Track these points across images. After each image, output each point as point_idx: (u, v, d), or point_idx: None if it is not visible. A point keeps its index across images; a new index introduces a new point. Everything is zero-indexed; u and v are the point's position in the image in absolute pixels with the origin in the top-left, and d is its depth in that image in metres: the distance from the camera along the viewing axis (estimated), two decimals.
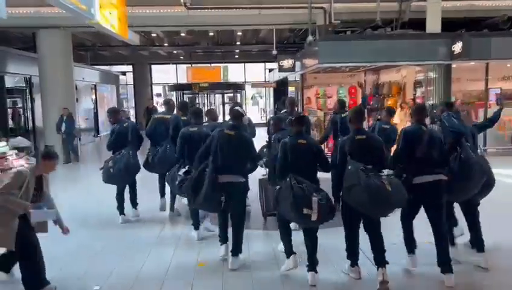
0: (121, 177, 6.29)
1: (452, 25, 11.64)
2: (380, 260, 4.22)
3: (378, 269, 4.20)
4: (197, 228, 5.73)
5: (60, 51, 12.81)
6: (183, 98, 20.79)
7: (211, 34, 16.56)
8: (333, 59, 11.23)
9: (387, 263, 4.24)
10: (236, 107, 5.50)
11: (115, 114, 6.82)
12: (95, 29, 12.26)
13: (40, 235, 4.17)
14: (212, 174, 4.60)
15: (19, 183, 3.86)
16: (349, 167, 4.04)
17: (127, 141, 6.39)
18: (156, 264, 5.04)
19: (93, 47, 19.77)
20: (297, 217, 4.15)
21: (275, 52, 13.70)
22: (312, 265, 4.32)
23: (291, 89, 19.95)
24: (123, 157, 6.24)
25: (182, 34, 16.06)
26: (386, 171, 4.26)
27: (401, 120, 13.58)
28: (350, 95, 17.56)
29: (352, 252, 4.44)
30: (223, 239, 5.00)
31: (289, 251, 4.46)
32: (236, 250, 4.79)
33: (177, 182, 5.44)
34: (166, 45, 19.60)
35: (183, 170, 5.37)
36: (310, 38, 10.87)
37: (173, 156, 6.05)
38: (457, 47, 10.88)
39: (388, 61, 11.59)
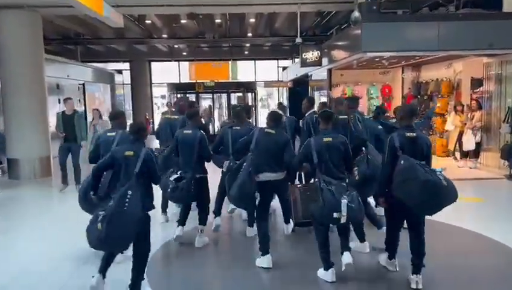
0: None
1: None
2: (417, 265, 4.16)
3: (412, 275, 4.17)
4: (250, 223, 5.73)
5: (25, 38, 10.07)
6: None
7: (218, 21, 13.75)
8: (382, 46, 8.48)
9: (424, 266, 4.16)
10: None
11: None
12: (72, 11, 9.64)
13: None
14: (249, 170, 4.66)
15: None
16: (402, 162, 3.98)
17: None
18: None
19: (81, 39, 17.06)
20: (326, 220, 4.19)
21: (299, 40, 10.91)
22: (346, 247, 4.40)
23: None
24: None
25: (183, 21, 13.27)
26: (438, 169, 4.05)
27: (455, 126, 10.72)
28: (383, 95, 14.79)
29: (392, 246, 4.46)
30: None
31: (328, 263, 4.37)
32: (289, 218, 5.40)
33: (169, 189, 5.13)
34: (165, 36, 16.82)
35: (175, 176, 5.13)
36: (356, 14, 8.02)
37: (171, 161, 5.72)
38: None
39: (455, 49, 8.69)
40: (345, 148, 4.39)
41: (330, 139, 4.33)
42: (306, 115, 6.43)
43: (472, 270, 4.70)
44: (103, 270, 3.97)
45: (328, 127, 4.47)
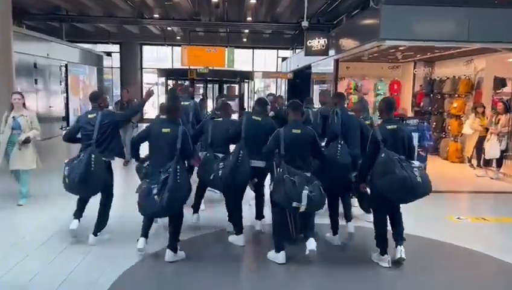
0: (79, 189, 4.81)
1: None
2: (399, 239, 4.47)
3: (396, 247, 4.44)
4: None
5: None
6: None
7: (214, 0, 12.42)
8: (402, 34, 7.23)
9: (405, 240, 4.48)
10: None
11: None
12: None
13: None
14: (247, 157, 4.83)
15: None
16: (382, 155, 4.22)
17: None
18: None
19: (66, 15, 15.67)
20: (288, 207, 4.40)
21: (305, 24, 9.65)
22: (309, 234, 4.48)
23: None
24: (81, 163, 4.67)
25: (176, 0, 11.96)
26: (416, 163, 4.37)
27: (474, 130, 9.53)
28: (391, 92, 13.54)
29: (382, 239, 4.50)
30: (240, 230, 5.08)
31: (281, 246, 4.49)
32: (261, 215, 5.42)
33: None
34: (157, 16, 15.46)
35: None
36: None
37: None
38: None
39: (489, 41, 7.47)
40: (312, 139, 4.55)
41: (299, 131, 4.48)
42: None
43: None
44: (145, 234, 4.52)
45: (297, 118, 4.59)
